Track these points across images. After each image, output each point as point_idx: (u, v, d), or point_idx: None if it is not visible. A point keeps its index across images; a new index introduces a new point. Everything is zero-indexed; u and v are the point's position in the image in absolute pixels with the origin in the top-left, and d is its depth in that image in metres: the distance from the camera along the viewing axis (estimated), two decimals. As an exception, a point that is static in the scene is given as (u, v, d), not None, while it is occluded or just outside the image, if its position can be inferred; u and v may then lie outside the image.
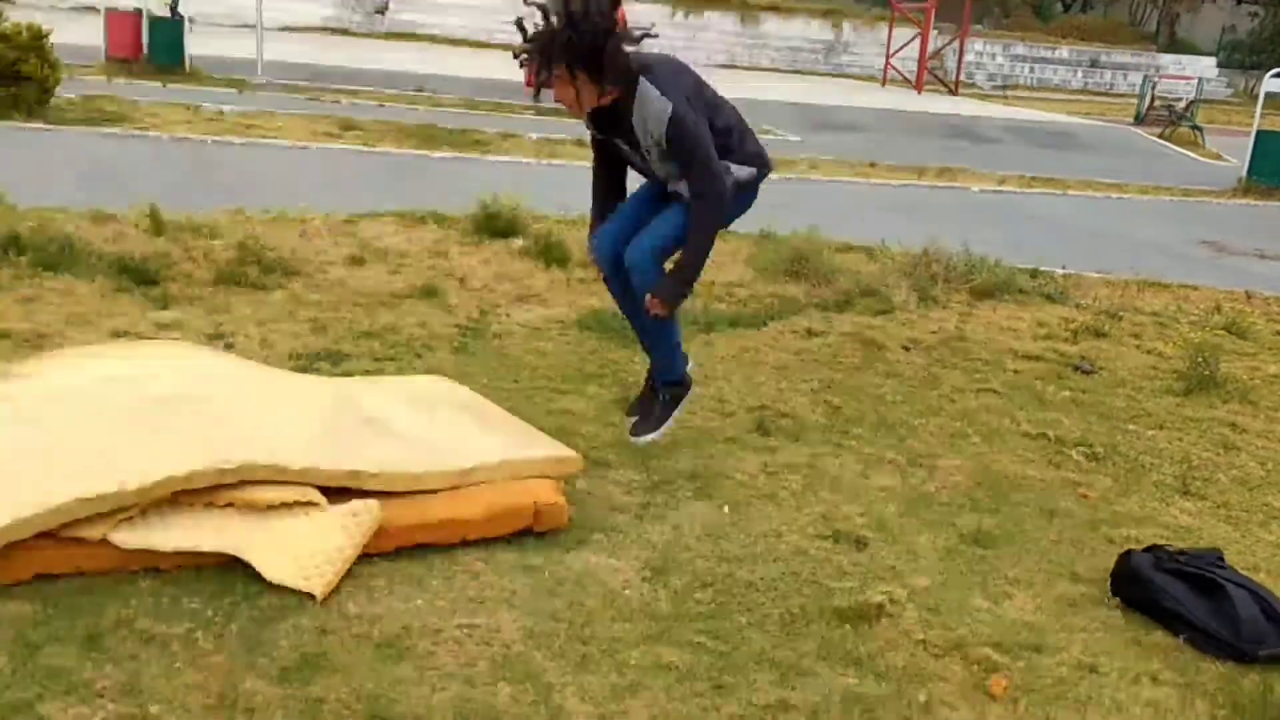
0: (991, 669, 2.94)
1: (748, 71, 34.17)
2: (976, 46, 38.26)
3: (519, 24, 3.60)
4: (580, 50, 3.46)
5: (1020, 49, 40.00)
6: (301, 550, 3.02)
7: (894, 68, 32.38)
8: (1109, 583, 3.43)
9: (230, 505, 3.09)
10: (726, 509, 3.77)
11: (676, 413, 4.07)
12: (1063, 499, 4.16)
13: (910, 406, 5.02)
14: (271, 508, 3.10)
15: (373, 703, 2.54)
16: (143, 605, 2.82)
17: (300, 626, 2.81)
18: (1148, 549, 3.46)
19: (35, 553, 2.87)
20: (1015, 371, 5.74)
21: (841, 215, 9.94)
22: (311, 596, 2.92)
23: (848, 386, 5.21)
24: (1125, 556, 3.42)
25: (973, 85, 35.77)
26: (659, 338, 4.05)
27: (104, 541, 2.91)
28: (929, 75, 32.08)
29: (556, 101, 3.65)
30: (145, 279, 5.71)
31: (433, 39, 32.35)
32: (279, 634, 2.77)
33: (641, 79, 3.57)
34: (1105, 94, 38.49)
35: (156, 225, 6.56)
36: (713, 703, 2.68)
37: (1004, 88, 36.56)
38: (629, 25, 3.59)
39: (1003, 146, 19.64)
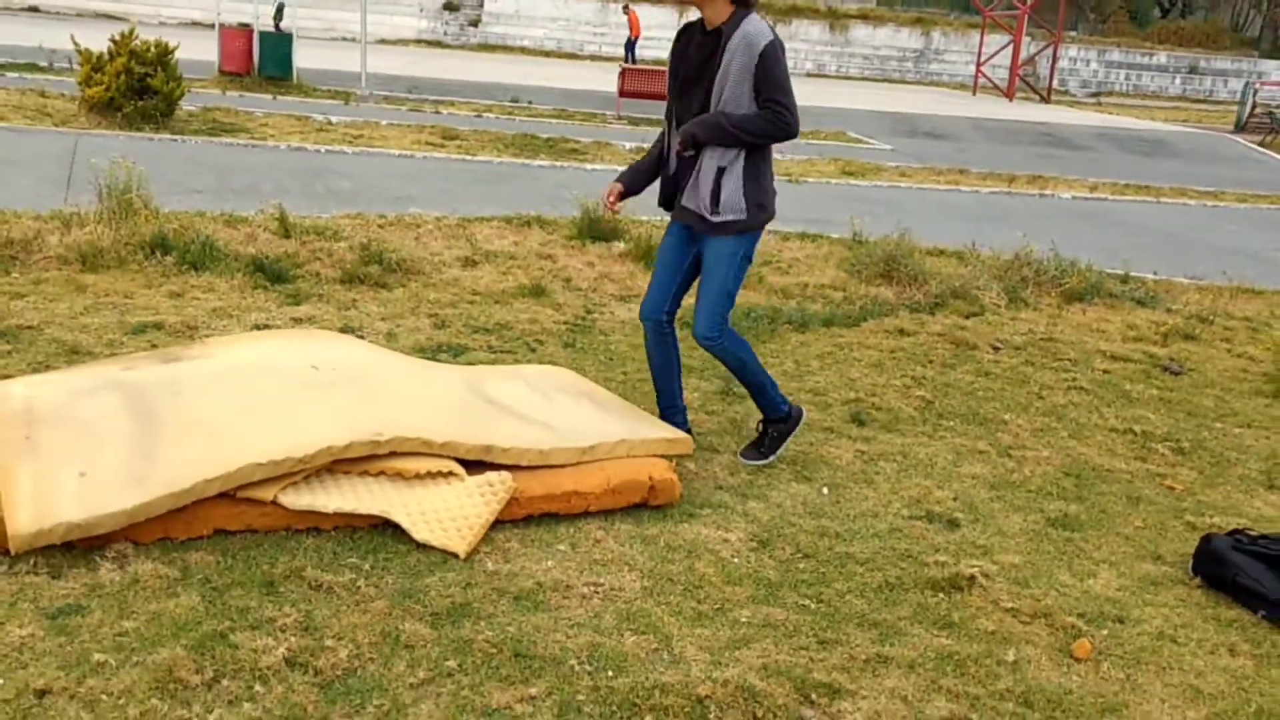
0: (1076, 635, 3.17)
1: (837, 80, 34.26)
2: (1070, 53, 37.82)
3: None
4: None
5: (1116, 55, 39.40)
6: (445, 515, 3.38)
7: (985, 75, 32.22)
8: (1190, 563, 3.63)
9: (381, 474, 3.46)
10: (825, 490, 4.05)
11: (785, 444, 4.30)
12: (1147, 489, 4.35)
13: (1000, 402, 5.23)
14: (418, 477, 3.46)
15: (516, 644, 2.87)
16: (309, 558, 3.20)
17: (447, 580, 3.16)
18: (1229, 533, 3.65)
19: (214, 511, 3.27)
20: (1104, 371, 5.90)
21: (932, 221, 10.11)
22: (454, 555, 3.27)
23: (939, 382, 5.44)
24: (1206, 539, 3.61)
25: (1065, 93, 35.36)
26: (751, 384, 4.25)
27: (274, 502, 3.29)
28: (1021, 83, 31.84)
29: None
30: (278, 277, 6.17)
31: (524, 50, 33.10)
32: (429, 586, 3.12)
33: (753, 13, 3.87)
34: (1204, 101, 37.71)
35: (284, 228, 7.04)
36: (817, 655, 2.96)
37: (1098, 95, 36.07)
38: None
39: (1095, 154, 19.51)
